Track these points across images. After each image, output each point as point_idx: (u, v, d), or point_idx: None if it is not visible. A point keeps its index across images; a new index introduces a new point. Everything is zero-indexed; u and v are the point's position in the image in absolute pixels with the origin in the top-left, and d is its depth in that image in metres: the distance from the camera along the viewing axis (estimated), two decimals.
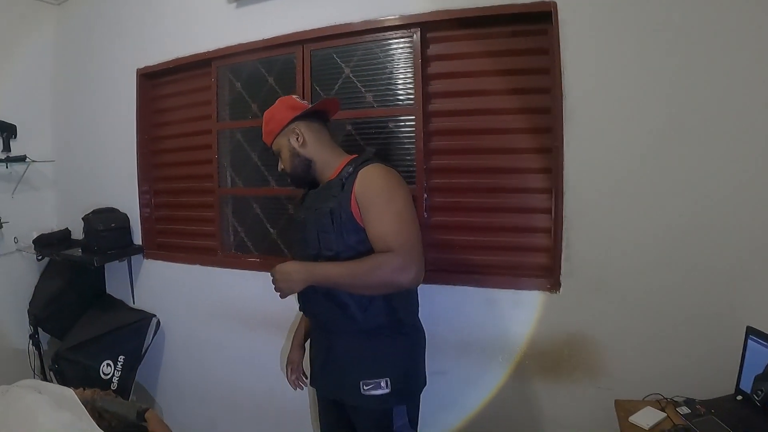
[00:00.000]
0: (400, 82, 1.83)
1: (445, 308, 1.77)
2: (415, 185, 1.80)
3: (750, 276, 1.43)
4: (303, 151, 1.41)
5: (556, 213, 1.62)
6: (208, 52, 2.18)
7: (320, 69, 1.95)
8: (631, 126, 1.54)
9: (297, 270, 1.30)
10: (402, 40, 1.82)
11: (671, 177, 1.52)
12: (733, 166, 1.44)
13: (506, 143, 1.72)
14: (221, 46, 2.14)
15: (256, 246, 2.19)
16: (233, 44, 2.11)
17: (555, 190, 1.62)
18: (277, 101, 1.50)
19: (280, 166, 1.46)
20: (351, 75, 1.90)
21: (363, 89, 1.88)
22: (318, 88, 1.96)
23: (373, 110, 1.87)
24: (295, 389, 1.72)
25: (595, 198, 1.58)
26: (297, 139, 1.41)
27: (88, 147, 2.63)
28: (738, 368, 1.31)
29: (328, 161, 1.42)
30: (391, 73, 1.84)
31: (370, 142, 1.88)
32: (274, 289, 1.34)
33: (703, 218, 1.47)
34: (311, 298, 1.39)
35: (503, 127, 1.72)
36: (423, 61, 1.78)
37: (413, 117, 1.80)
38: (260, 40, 2.04)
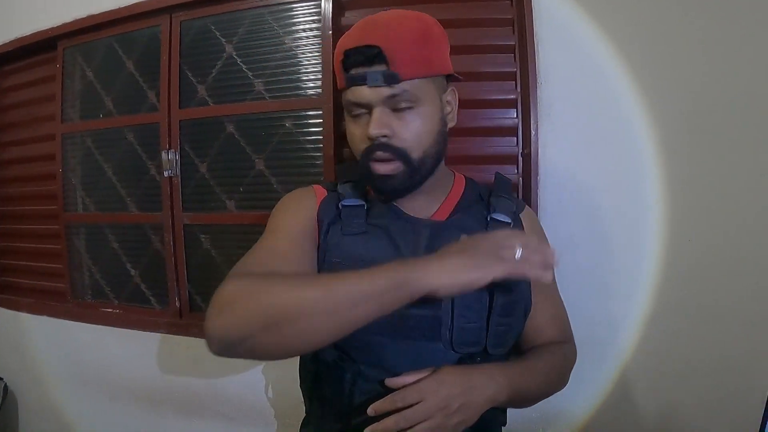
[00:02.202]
0: (302, 64, 1.30)
1: None
2: None
3: None
4: (445, 132, 0.78)
5: None
6: (53, 29, 1.58)
7: (193, 47, 1.40)
8: (632, 125, 1.10)
9: (483, 380, 0.69)
10: (306, 4, 1.29)
11: (684, 199, 1.09)
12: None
13: (451, 150, 1.18)
14: (68, 20, 1.56)
15: (115, 292, 1.58)
16: (84, 16, 1.53)
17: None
18: (434, 22, 0.75)
19: (383, 131, 0.70)
20: (235, 54, 1.35)
21: (251, 74, 1.34)
22: (189, 73, 1.40)
23: (264, 103, 1.32)
24: None
25: (580, 229, 1.12)
26: (450, 109, 0.79)
27: None
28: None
29: (444, 168, 0.84)
30: (291, 51, 1.30)
31: (258, 148, 1.32)
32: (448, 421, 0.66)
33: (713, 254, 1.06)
34: None
35: (451, 126, 1.19)
36: (335, 34, 1.25)
37: (320, 111, 1.26)
38: (116, 10, 1.46)
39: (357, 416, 0.71)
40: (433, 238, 0.75)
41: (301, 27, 1.30)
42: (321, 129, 1.26)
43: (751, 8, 1.04)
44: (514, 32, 1.19)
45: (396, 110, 0.71)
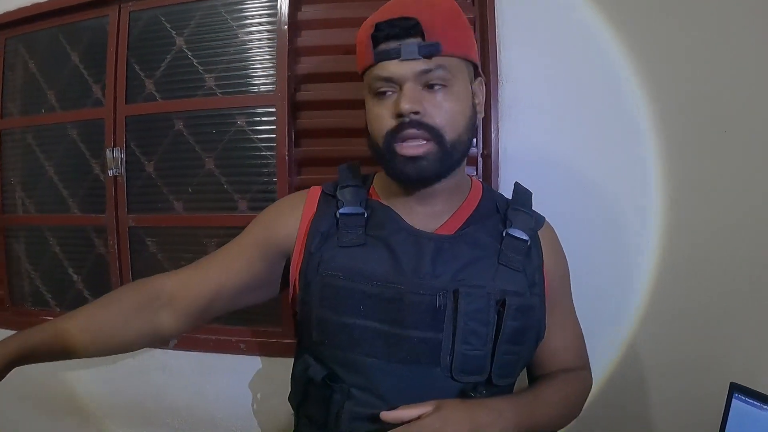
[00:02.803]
0: (256, 59, 1.24)
1: None
2: None
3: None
4: (475, 122, 0.73)
5: None
6: None
7: (142, 39, 1.32)
8: (600, 124, 1.08)
9: (492, 418, 0.63)
10: None
11: (647, 202, 1.08)
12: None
13: None
14: (11, 9, 1.46)
15: (56, 298, 1.48)
16: (28, 4, 1.44)
17: None
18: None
19: (416, 106, 0.64)
20: (185, 48, 1.29)
21: (202, 69, 1.27)
22: (137, 66, 1.32)
23: (214, 99, 1.26)
24: None
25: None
26: (478, 100, 0.73)
27: None
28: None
29: (464, 169, 0.76)
30: (244, 46, 1.24)
31: (208, 146, 1.25)
32: None
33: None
34: None
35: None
36: (291, 28, 1.20)
37: (273, 109, 1.20)
38: None
39: None
40: (438, 254, 0.68)
41: (256, 21, 1.24)
42: (274, 127, 1.20)
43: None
44: (475, 31, 1.16)
45: (428, 87, 0.65)
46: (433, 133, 0.65)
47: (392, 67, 0.64)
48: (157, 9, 1.30)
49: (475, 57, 0.71)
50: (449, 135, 0.66)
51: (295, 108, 1.21)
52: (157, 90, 1.31)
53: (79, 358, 0.69)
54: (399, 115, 0.64)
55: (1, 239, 1.52)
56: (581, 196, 1.09)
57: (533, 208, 0.77)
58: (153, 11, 1.31)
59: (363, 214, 0.72)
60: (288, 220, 0.75)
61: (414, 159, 0.65)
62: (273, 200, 1.18)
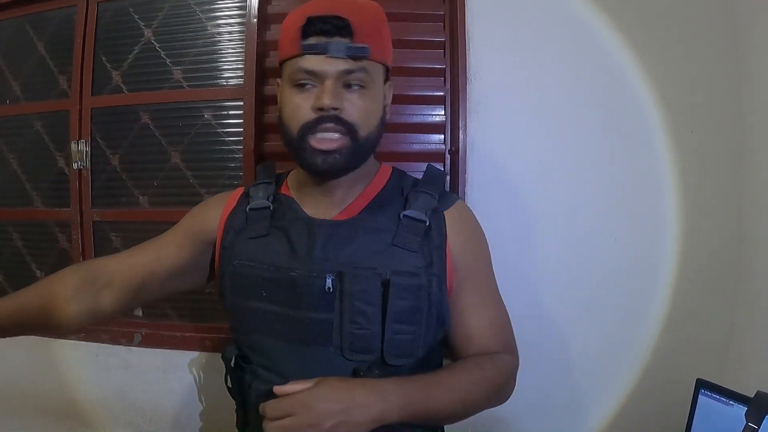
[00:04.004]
0: (225, 52, 1.23)
1: None
2: None
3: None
4: (384, 121, 0.76)
5: None
6: None
7: (110, 30, 1.31)
8: (569, 120, 1.10)
9: (370, 398, 0.63)
10: None
11: (611, 197, 1.10)
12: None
13: (380, 146, 1.14)
14: None
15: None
16: None
17: None
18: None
19: (336, 102, 0.66)
20: (153, 40, 1.27)
21: (169, 61, 1.25)
22: (104, 58, 1.30)
23: (182, 92, 1.24)
24: None
25: (506, 227, 1.10)
26: (387, 102, 0.77)
27: None
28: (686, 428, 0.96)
29: (372, 160, 0.80)
30: (213, 39, 1.23)
31: (174, 140, 1.24)
32: None
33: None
34: None
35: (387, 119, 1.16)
36: (260, 22, 1.19)
37: (241, 102, 1.18)
38: None
39: (254, 416, 0.68)
40: (329, 239, 0.72)
41: (225, 14, 1.24)
42: (242, 121, 1.19)
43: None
44: (445, 28, 1.16)
45: (346, 86, 0.68)
46: (349, 129, 0.68)
47: (318, 62, 0.66)
48: (126, 0, 1.28)
49: (390, 61, 0.74)
50: (362, 132, 0.69)
51: (263, 102, 1.20)
52: (123, 82, 1.29)
53: (20, 335, 0.78)
54: (320, 109, 0.66)
55: None
56: (547, 191, 1.10)
57: (447, 190, 0.79)
58: (121, 2, 1.29)
59: (269, 207, 0.76)
60: (212, 214, 0.81)
61: (326, 152, 0.67)
62: None
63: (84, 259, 1.32)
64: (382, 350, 0.69)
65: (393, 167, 0.82)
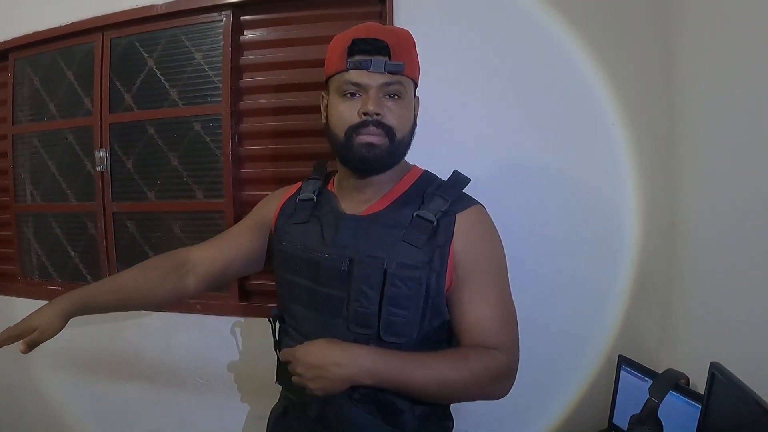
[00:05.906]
0: (208, 75, 1.53)
1: None
2: (224, 200, 1.50)
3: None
4: (414, 128, 0.88)
5: None
6: (5, 42, 1.81)
7: (122, 60, 1.63)
8: (494, 128, 1.27)
9: (345, 359, 0.75)
10: (211, 24, 1.53)
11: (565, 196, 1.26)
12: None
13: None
14: (18, 35, 1.79)
15: (58, 271, 1.81)
16: (31, 32, 1.76)
17: None
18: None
19: (379, 109, 0.79)
20: (155, 67, 1.59)
21: (167, 84, 1.57)
22: (118, 83, 1.63)
23: (177, 109, 1.56)
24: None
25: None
26: (416, 111, 0.89)
27: None
28: (611, 401, 1.15)
29: (404, 162, 0.91)
30: (199, 64, 1.54)
31: (173, 147, 1.56)
32: (307, 385, 0.77)
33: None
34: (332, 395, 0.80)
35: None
36: (234, 49, 1.49)
37: (219, 115, 1.50)
38: (58, 27, 1.69)
39: (282, 366, 0.89)
40: (351, 231, 0.84)
41: (208, 43, 1.52)
42: (220, 130, 1.50)
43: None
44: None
45: (386, 96, 0.80)
46: (388, 131, 0.80)
47: (362, 76, 0.79)
48: (133, 36, 1.61)
49: (418, 79, 0.88)
50: (399, 134, 0.82)
51: (240, 115, 1.51)
52: (134, 102, 1.61)
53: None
54: (365, 114, 0.79)
55: (13, 224, 1.86)
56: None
57: (472, 196, 0.87)
58: (129, 38, 1.61)
59: (313, 199, 0.92)
60: (272, 204, 0.99)
61: (370, 145, 0.80)
62: (222, 189, 1.50)
63: (107, 242, 1.67)
64: (378, 327, 0.80)
65: (425, 170, 0.92)
